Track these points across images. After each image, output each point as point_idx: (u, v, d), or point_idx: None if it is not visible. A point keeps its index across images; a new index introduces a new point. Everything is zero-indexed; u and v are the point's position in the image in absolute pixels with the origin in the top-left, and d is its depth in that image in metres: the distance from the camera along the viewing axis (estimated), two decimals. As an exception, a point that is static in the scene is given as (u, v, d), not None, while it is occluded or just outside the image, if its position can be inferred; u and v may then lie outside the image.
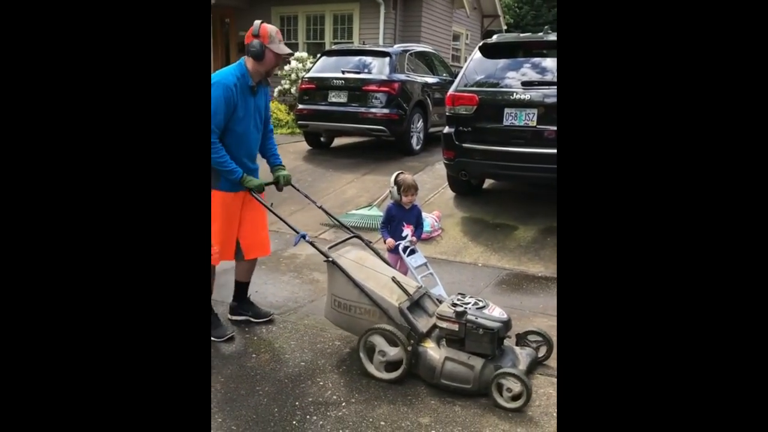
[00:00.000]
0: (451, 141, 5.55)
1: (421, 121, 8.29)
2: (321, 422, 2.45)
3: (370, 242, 3.40)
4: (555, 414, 2.52)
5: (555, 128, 5.00)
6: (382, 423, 2.45)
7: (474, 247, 5.02)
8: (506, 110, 5.21)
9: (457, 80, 5.75)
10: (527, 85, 5.20)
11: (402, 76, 7.92)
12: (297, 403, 2.59)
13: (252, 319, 3.46)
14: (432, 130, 8.42)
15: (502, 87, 5.38)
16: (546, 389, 2.70)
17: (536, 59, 5.47)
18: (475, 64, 5.68)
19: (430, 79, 8.67)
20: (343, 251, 3.16)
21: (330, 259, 2.97)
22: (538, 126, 5.07)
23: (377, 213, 5.71)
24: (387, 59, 7.94)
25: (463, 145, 5.47)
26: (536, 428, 2.42)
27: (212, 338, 3.15)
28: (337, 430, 2.40)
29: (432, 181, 6.85)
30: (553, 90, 5.04)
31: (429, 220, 5.24)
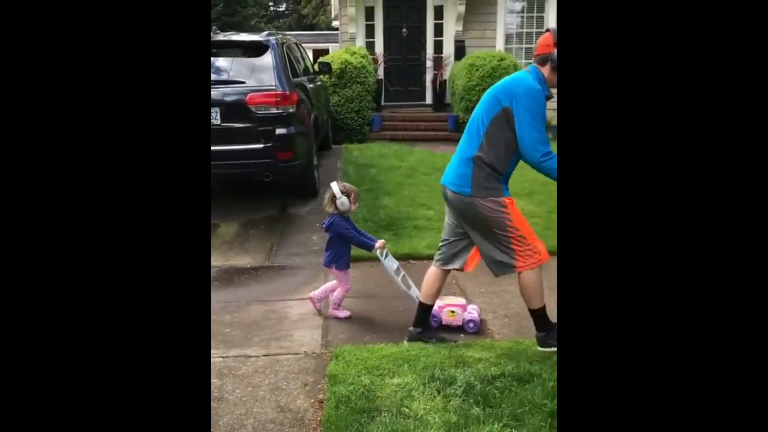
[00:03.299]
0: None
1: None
2: None
3: None
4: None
5: (239, 125, 5.21)
6: None
7: (179, 252, 4.93)
8: (188, 111, 5.19)
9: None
10: (205, 84, 5.27)
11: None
12: None
13: None
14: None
15: (180, 88, 5.33)
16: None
17: (211, 59, 5.56)
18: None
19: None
20: None
21: None
22: (222, 123, 5.20)
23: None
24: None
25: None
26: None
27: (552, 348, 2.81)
28: None
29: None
30: (232, 88, 5.24)
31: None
